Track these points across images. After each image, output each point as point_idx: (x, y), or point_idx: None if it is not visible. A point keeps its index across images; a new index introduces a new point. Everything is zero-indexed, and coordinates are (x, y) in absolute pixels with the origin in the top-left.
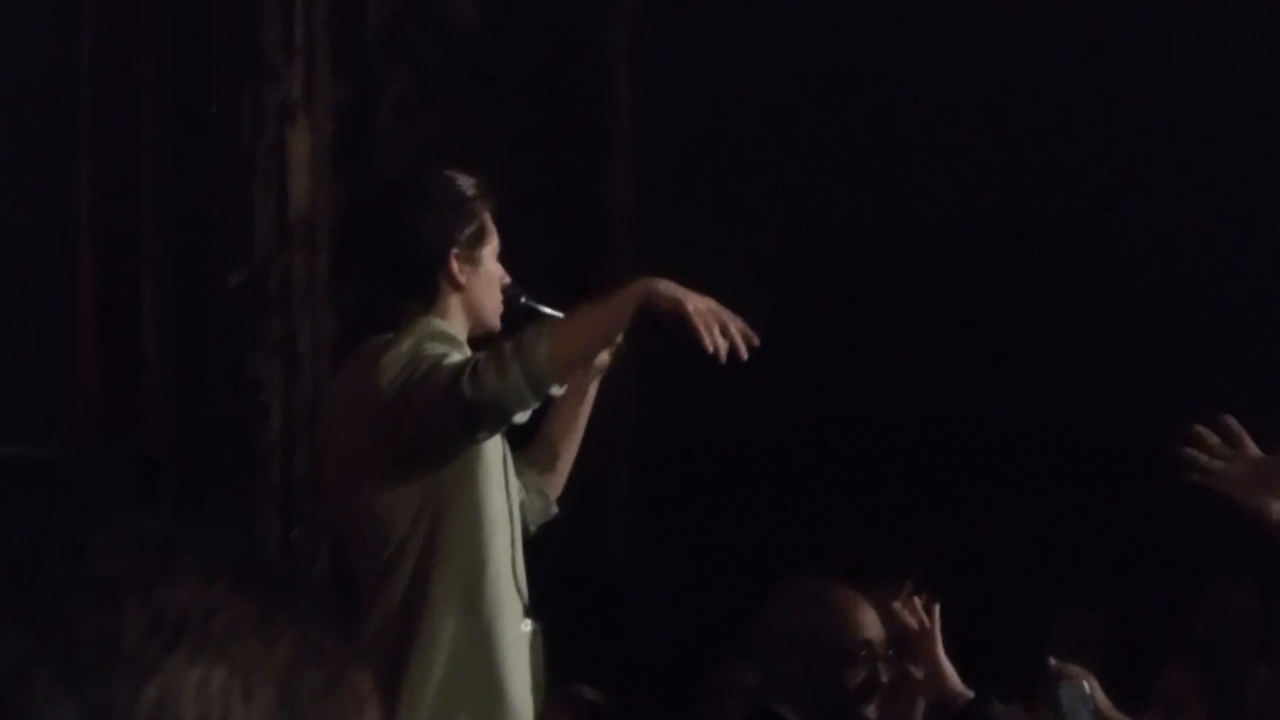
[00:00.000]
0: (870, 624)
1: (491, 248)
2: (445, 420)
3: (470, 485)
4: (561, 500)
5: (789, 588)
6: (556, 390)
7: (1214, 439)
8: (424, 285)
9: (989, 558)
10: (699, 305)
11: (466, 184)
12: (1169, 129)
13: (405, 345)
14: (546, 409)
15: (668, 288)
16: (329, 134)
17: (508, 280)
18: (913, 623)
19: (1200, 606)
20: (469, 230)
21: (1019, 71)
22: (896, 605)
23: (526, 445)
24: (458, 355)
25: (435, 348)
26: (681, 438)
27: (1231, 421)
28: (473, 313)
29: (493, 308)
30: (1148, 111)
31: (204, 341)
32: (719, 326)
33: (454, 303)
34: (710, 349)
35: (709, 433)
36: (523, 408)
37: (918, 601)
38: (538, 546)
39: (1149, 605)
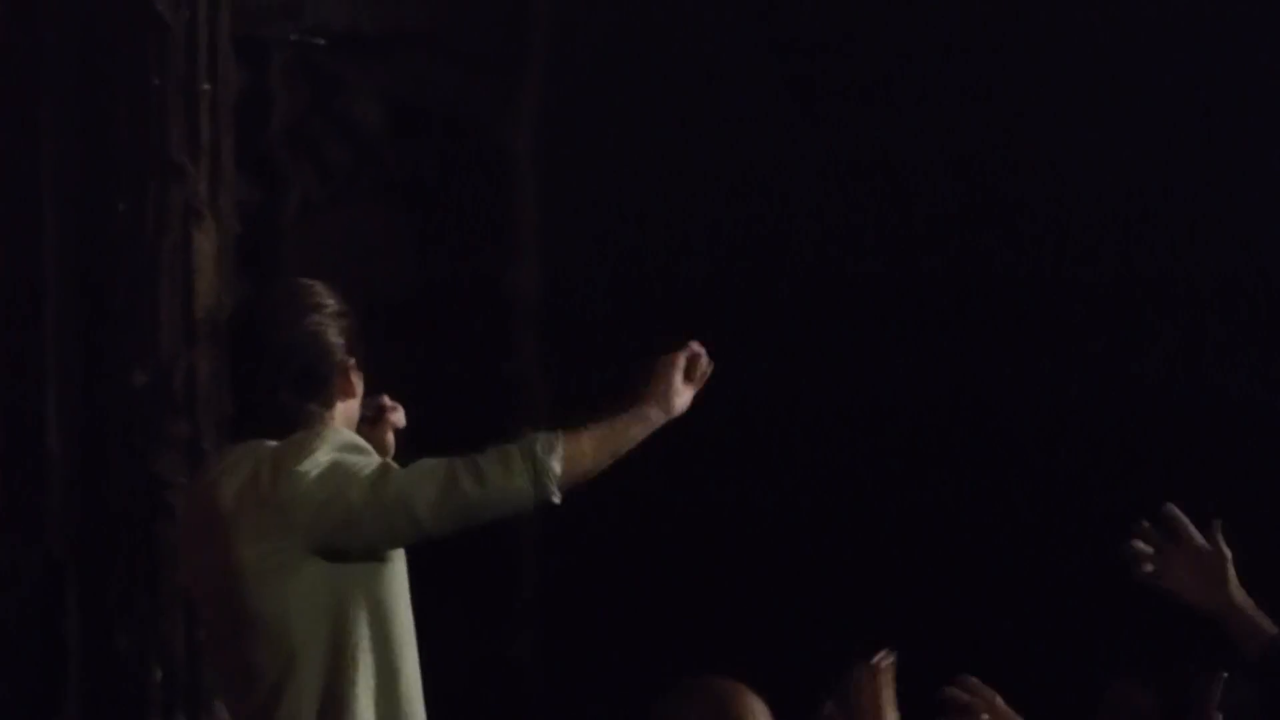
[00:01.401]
0: (757, 709)
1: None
2: (428, 514)
3: (377, 590)
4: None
5: (679, 686)
6: (555, 499)
7: (1154, 535)
8: (323, 392)
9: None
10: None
11: (338, 295)
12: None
13: (321, 454)
14: None
15: (681, 407)
16: (235, 233)
17: None
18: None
19: (1099, 705)
20: (354, 339)
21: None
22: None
23: None
24: (376, 457)
25: (357, 460)
26: (588, 535)
27: (1172, 511)
28: (349, 422)
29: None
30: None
31: (108, 440)
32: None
33: (339, 410)
34: None
35: (616, 531)
36: (518, 510)
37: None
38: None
39: (1047, 702)
